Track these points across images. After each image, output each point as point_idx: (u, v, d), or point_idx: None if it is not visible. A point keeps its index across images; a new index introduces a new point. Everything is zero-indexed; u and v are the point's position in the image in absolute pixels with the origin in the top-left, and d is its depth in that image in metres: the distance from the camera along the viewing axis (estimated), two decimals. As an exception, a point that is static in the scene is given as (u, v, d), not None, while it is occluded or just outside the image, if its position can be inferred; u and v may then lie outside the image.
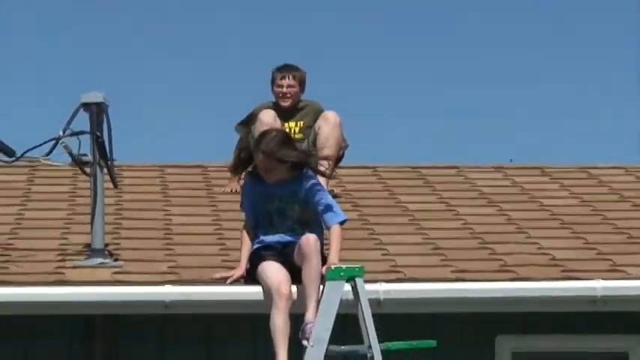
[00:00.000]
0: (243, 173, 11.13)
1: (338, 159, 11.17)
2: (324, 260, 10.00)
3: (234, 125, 12.12)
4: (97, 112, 10.96)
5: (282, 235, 10.18)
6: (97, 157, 11.07)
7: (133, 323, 10.89)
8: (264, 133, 10.53)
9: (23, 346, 10.88)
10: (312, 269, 9.92)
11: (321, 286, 9.81)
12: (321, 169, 10.42)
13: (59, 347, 10.87)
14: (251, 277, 10.24)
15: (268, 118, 11.69)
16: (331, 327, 9.59)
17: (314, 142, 11.23)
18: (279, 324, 9.69)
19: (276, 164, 10.06)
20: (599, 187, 14.26)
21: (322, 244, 10.06)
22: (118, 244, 11.61)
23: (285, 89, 11.45)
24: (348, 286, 9.76)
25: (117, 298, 10.53)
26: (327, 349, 9.61)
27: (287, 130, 11.98)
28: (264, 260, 10.12)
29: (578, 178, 14.73)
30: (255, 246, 10.31)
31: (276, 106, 11.92)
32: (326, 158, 10.90)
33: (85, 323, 10.79)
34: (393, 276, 10.72)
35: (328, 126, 11.28)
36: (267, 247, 10.27)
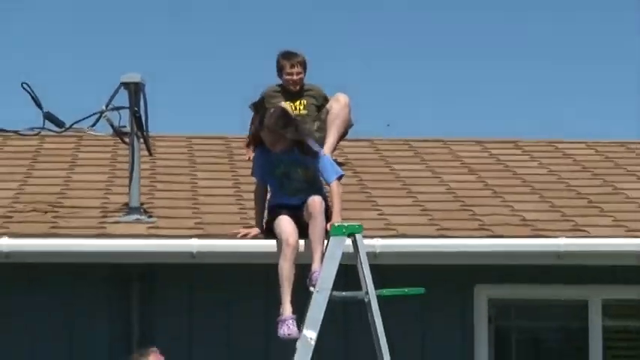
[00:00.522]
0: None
1: (343, 134, 11.24)
2: (328, 218, 10.06)
3: (249, 105, 12.24)
4: (135, 90, 11.10)
5: (291, 199, 10.23)
6: (135, 128, 11.21)
7: (165, 272, 10.96)
8: (266, 112, 10.58)
9: (70, 291, 10.92)
10: (317, 226, 10.00)
11: (326, 241, 9.88)
12: (315, 149, 10.52)
13: (100, 292, 10.96)
14: (269, 229, 10.27)
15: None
16: (334, 276, 9.64)
17: (325, 120, 11.29)
18: (285, 269, 9.82)
19: (277, 137, 10.11)
20: (564, 158, 14.24)
21: (326, 203, 10.12)
22: (151, 203, 11.71)
23: (295, 77, 11.52)
24: (349, 241, 9.83)
25: (150, 249, 10.65)
26: (330, 295, 9.67)
27: (294, 108, 12.00)
28: (280, 215, 10.21)
29: (546, 151, 14.71)
30: (273, 203, 10.41)
31: (283, 89, 12.00)
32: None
33: (123, 271, 10.84)
34: (387, 233, 10.82)
35: (339, 105, 11.37)
36: (282, 205, 10.32)
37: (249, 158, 12.31)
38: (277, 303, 9.82)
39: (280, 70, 11.54)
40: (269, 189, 10.54)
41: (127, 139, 11.40)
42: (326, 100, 11.99)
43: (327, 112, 11.33)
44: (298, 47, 12.36)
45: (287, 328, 9.69)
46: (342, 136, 11.03)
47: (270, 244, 10.21)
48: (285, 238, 9.88)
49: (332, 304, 9.76)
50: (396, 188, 12.74)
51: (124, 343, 10.55)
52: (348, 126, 11.07)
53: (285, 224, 10.04)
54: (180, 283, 11.03)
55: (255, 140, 10.54)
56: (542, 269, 11.02)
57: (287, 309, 9.78)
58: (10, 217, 11.15)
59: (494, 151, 14.50)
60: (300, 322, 9.70)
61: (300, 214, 10.21)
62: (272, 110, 10.63)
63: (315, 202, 10.09)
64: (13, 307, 10.87)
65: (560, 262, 10.83)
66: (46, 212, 11.34)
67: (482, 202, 12.19)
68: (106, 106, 11.09)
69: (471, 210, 11.88)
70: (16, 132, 12.19)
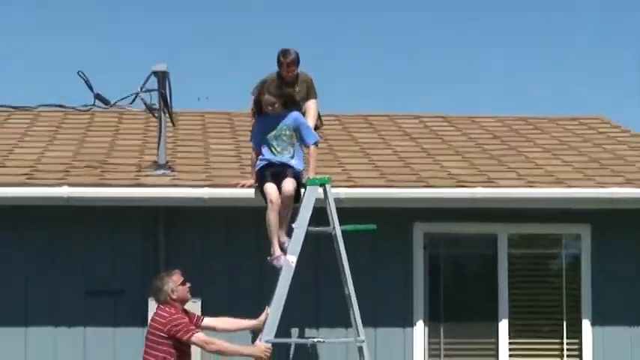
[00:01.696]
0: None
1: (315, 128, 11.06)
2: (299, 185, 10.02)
3: (252, 89, 12.17)
4: (162, 77, 11.36)
5: (280, 156, 9.99)
6: (162, 106, 11.50)
7: (184, 213, 10.99)
8: (266, 80, 10.53)
9: (112, 228, 11.02)
10: (286, 207, 9.93)
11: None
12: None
13: (135, 229, 11.05)
14: (259, 187, 10.10)
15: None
16: (309, 216, 9.77)
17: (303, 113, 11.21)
18: (272, 219, 9.76)
19: (275, 99, 10.03)
20: (479, 129, 14.36)
21: (298, 181, 9.97)
22: (174, 161, 11.84)
23: (289, 73, 11.45)
24: (320, 190, 9.95)
25: (173, 196, 10.81)
26: (307, 230, 9.78)
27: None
28: (266, 181, 9.96)
29: (466, 123, 14.80)
30: (260, 164, 10.12)
31: (280, 77, 11.94)
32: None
33: (152, 212, 10.95)
34: (348, 184, 10.93)
35: (309, 115, 11.25)
36: (269, 165, 10.07)
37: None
38: (265, 233, 9.81)
39: (279, 63, 11.54)
40: (261, 151, 10.28)
41: (156, 114, 11.65)
42: (310, 87, 11.96)
43: (305, 112, 11.33)
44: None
45: (277, 261, 9.73)
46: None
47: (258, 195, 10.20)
48: (270, 199, 9.85)
49: (307, 238, 9.76)
50: (356, 151, 12.81)
51: (153, 267, 10.58)
52: (318, 127, 10.96)
53: (270, 188, 9.92)
54: (195, 222, 11.07)
55: (256, 108, 10.45)
56: (463, 211, 11.05)
57: (276, 249, 9.82)
58: (69, 171, 11.32)
59: (428, 123, 14.55)
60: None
61: (279, 177, 9.98)
62: (271, 79, 10.60)
63: (288, 185, 9.93)
64: (72, 241, 11.00)
65: (476, 206, 10.96)
66: (96, 168, 11.50)
67: (419, 161, 12.28)
68: (141, 88, 11.42)
69: (411, 167, 11.99)
70: (73, 108, 12.43)
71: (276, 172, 10.05)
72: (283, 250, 9.84)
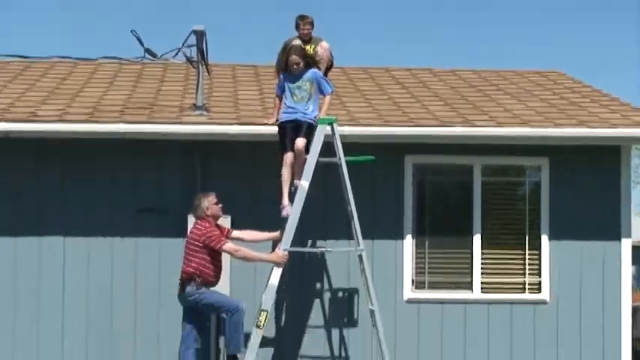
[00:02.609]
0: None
1: (327, 70, 11.00)
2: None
3: (278, 52, 12.12)
4: (200, 35, 11.34)
5: (299, 104, 9.95)
6: (200, 58, 11.46)
7: (216, 146, 10.93)
8: (293, 46, 10.42)
9: (158, 159, 11.05)
10: (299, 157, 9.89)
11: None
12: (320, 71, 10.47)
13: (177, 160, 11.06)
14: (279, 133, 10.11)
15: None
16: (319, 149, 9.81)
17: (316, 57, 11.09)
18: (285, 174, 9.82)
19: (300, 60, 10.01)
20: (459, 80, 14.08)
21: (318, 105, 10.15)
22: (209, 104, 11.73)
23: (305, 32, 11.35)
24: (329, 128, 9.97)
25: (208, 131, 10.81)
26: (317, 161, 9.81)
27: (306, 49, 11.89)
28: (286, 133, 9.99)
29: (448, 75, 14.60)
30: (284, 117, 10.14)
31: (300, 38, 11.83)
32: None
33: (191, 146, 10.94)
34: (352, 123, 10.93)
35: (322, 50, 11.22)
36: (290, 120, 10.06)
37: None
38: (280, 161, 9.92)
39: (297, 27, 11.45)
40: (283, 101, 10.30)
41: (194, 65, 11.60)
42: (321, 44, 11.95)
43: (316, 54, 11.30)
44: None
45: (285, 211, 9.81)
46: (327, 72, 10.91)
47: (273, 129, 10.29)
48: (285, 157, 9.90)
49: (317, 167, 9.80)
50: (357, 97, 12.73)
51: (191, 191, 10.52)
52: (329, 65, 10.95)
53: (285, 148, 9.97)
54: (226, 153, 11.04)
55: (282, 66, 10.31)
56: (445, 146, 11.08)
57: (285, 200, 9.87)
58: (124, 111, 11.33)
59: (417, 75, 14.43)
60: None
61: (297, 130, 9.95)
62: (296, 45, 10.53)
63: (299, 142, 9.88)
64: (126, 169, 11.07)
65: (455, 142, 11.02)
66: (145, 109, 11.50)
67: (409, 105, 12.21)
68: (183, 44, 11.39)
69: (402, 110, 11.93)
70: (127, 60, 12.52)
71: (295, 125, 9.99)
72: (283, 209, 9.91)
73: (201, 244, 9.59)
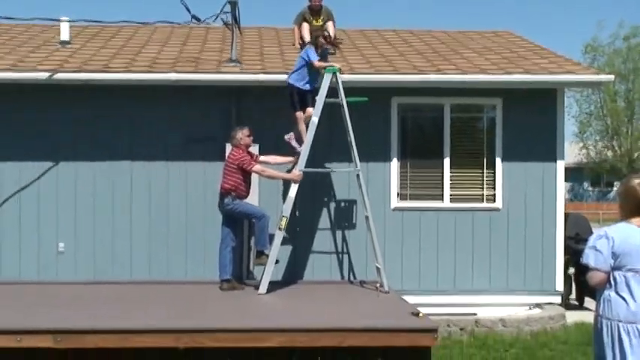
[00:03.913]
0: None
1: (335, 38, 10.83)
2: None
3: (294, 18, 12.04)
4: (233, 4, 11.29)
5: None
6: (233, 22, 11.43)
7: (247, 91, 10.83)
8: (302, 13, 10.62)
9: (203, 101, 10.91)
10: (308, 118, 9.88)
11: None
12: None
13: (217, 101, 10.90)
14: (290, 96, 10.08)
15: (305, 27, 11.65)
16: (326, 92, 9.76)
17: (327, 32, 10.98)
18: (301, 127, 10.00)
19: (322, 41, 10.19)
20: (433, 38, 13.68)
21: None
22: (241, 57, 11.56)
23: (317, 3, 11.28)
24: (333, 76, 9.84)
25: (241, 79, 10.75)
26: (324, 101, 9.73)
27: (316, 20, 11.69)
28: (294, 101, 10.02)
29: (426, 36, 14.23)
30: (292, 83, 10.08)
31: (310, 9, 11.66)
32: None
33: (228, 91, 10.84)
34: (350, 71, 10.76)
35: (331, 30, 11.14)
36: (298, 88, 10.02)
37: (294, 44, 12.14)
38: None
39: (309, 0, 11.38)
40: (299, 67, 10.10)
41: (229, 28, 11.58)
42: (330, 15, 11.76)
43: (325, 28, 11.16)
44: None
45: (288, 137, 10.12)
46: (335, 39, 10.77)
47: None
48: (299, 115, 9.98)
49: (324, 106, 9.76)
50: (355, 52, 12.51)
51: (227, 125, 10.51)
52: (335, 39, 10.78)
53: (298, 114, 10.00)
54: (255, 96, 10.91)
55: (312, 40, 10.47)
56: (422, 89, 11.00)
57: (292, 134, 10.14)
58: (176, 64, 11.22)
59: (401, 34, 14.27)
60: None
61: (304, 95, 10.05)
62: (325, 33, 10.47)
63: (309, 111, 9.89)
64: (179, 109, 10.96)
65: (430, 86, 10.91)
66: (192, 62, 11.35)
67: (395, 58, 11.98)
68: (220, 11, 11.37)
69: (390, 61, 11.72)
70: (177, 23, 12.51)
71: (302, 98, 10.03)
72: (299, 142, 9.96)
73: (235, 167, 9.64)
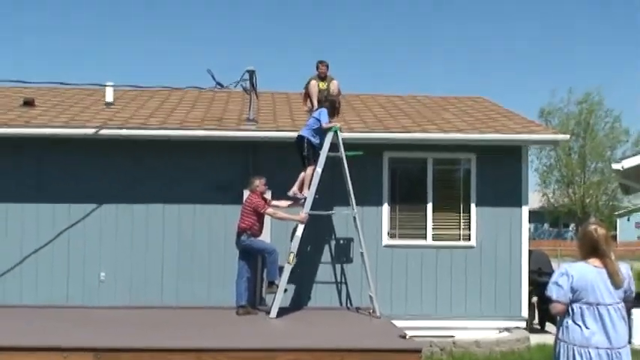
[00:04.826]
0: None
1: (336, 107, 10.69)
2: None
3: (306, 82, 12.02)
4: (251, 73, 11.30)
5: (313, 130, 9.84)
6: (251, 88, 11.44)
7: (263, 145, 10.74)
8: (310, 81, 10.60)
9: (226, 153, 10.83)
10: (309, 175, 9.74)
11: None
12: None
13: (237, 154, 10.84)
14: (298, 148, 9.86)
15: (314, 86, 11.34)
16: (328, 147, 9.73)
17: (329, 91, 10.99)
18: (308, 178, 9.76)
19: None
20: (418, 102, 13.74)
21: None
22: (259, 116, 11.50)
23: (323, 71, 11.28)
24: (333, 133, 9.84)
25: (257, 135, 10.69)
26: (327, 154, 9.71)
27: (322, 85, 11.36)
28: (303, 155, 9.79)
29: (411, 99, 14.23)
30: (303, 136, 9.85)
31: (318, 76, 11.68)
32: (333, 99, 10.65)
33: (245, 145, 10.79)
34: (349, 130, 10.70)
35: (333, 87, 11.16)
36: (303, 137, 9.80)
37: (304, 103, 12.10)
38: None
39: (317, 68, 11.35)
40: (308, 124, 10.00)
41: (248, 93, 11.56)
42: (332, 81, 11.76)
43: (329, 90, 11.15)
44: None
45: (292, 192, 9.92)
46: (337, 109, 10.65)
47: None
48: (308, 170, 9.79)
49: (326, 159, 9.72)
50: (353, 113, 12.48)
51: (245, 174, 10.42)
52: (338, 102, 10.65)
53: (309, 161, 9.81)
54: (269, 149, 10.84)
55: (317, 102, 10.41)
56: (409, 145, 10.92)
57: (297, 190, 9.94)
58: (202, 121, 11.19)
59: (391, 99, 14.20)
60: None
61: (314, 148, 9.83)
62: (331, 99, 10.33)
63: (309, 170, 9.74)
64: (205, 159, 10.89)
65: (416, 142, 10.85)
66: (216, 120, 11.38)
67: (386, 119, 11.94)
68: (240, 79, 11.32)
69: (381, 122, 11.67)
70: (204, 88, 12.22)
71: (307, 154, 9.81)
72: (298, 198, 9.82)
73: (251, 209, 9.62)
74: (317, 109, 10.21)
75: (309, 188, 9.79)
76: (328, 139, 9.85)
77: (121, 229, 10.85)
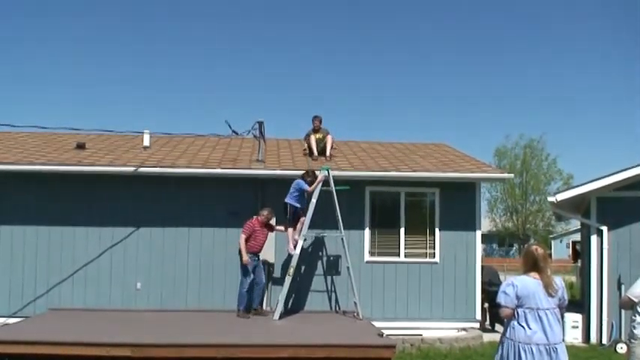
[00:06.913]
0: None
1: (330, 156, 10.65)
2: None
3: (305, 135, 11.94)
4: (260, 123, 11.35)
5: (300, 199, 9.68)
6: (260, 135, 11.44)
7: (270, 182, 10.56)
8: (309, 134, 10.61)
9: (239, 189, 10.73)
10: (299, 229, 9.60)
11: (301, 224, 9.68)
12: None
13: (249, 189, 10.74)
14: (288, 212, 9.63)
15: (312, 139, 11.33)
16: (321, 185, 9.73)
17: (324, 146, 10.93)
18: (290, 235, 9.69)
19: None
20: (393, 147, 13.72)
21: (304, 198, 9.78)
22: (266, 158, 11.39)
23: (317, 124, 11.27)
24: (325, 172, 9.86)
25: (265, 173, 10.60)
26: (320, 190, 9.71)
27: (316, 137, 11.33)
28: (291, 217, 9.60)
29: (387, 145, 14.11)
30: (290, 204, 9.66)
31: (313, 129, 11.64)
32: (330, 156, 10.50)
33: (254, 181, 10.64)
34: (338, 170, 10.65)
35: (329, 143, 11.15)
36: (293, 206, 9.62)
37: (304, 149, 11.80)
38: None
39: (312, 122, 11.37)
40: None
41: (257, 139, 11.53)
42: (326, 133, 11.66)
43: (325, 143, 11.13)
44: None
45: (290, 251, 9.66)
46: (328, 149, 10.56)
47: (298, 174, 10.05)
48: (289, 230, 9.67)
49: (319, 193, 9.71)
50: (341, 156, 12.37)
51: (255, 205, 10.41)
52: (332, 144, 10.59)
53: (289, 231, 9.72)
54: (275, 185, 10.69)
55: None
56: (386, 181, 10.88)
57: (290, 247, 9.66)
58: (220, 162, 11.10)
59: (372, 145, 14.15)
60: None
61: (296, 211, 9.70)
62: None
63: (298, 226, 9.60)
64: (221, 193, 10.77)
65: (391, 179, 10.80)
66: (232, 161, 11.29)
67: (368, 160, 11.87)
68: (252, 128, 11.38)
69: (364, 163, 11.60)
70: (221, 135, 12.16)
71: (296, 216, 9.69)
72: (295, 246, 9.52)
73: (248, 230, 9.59)
74: (296, 180, 9.91)
75: (299, 235, 9.64)
76: (321, 177, 9.87)
77: (154, 248, 10.77)
